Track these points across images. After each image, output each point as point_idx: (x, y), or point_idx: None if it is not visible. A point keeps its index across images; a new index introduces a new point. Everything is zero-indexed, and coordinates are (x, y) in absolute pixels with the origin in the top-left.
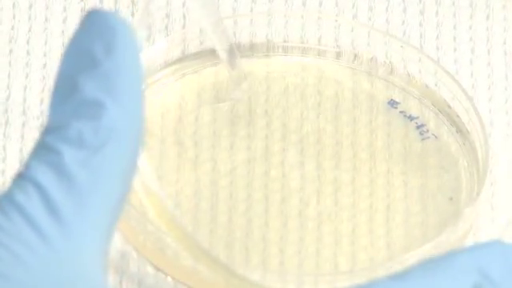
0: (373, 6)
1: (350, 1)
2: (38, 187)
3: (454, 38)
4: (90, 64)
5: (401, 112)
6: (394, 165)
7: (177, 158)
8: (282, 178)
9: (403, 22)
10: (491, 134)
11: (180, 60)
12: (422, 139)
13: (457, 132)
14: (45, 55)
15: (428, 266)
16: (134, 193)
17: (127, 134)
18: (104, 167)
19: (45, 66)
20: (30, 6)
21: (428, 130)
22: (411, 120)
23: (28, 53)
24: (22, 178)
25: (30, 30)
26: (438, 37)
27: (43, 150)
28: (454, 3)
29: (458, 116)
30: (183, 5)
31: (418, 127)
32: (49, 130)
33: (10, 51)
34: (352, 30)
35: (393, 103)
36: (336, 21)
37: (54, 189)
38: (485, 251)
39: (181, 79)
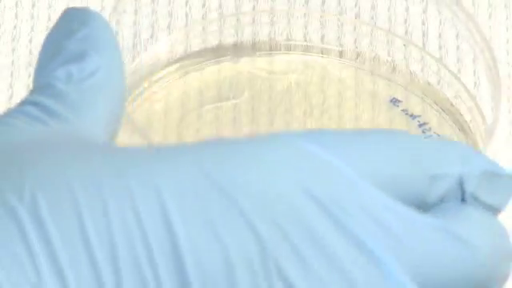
0: (375, 5)
1: None
2: (35, 104)
3: (457, 37)
4: (69, 33)
5: (403, 110)
6: None
7: None
8: None
9: (405, 20)
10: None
11: (183, 58)
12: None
13: (459, 131)
14: None
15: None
16: None
17: (109, 81)
18: (91, 101)
19: None
20: (33, 5)
21: (430, 129)
22: (413, 118)
23: (30, 52)
24: (16, 105)
25: (32, 30)
26: (440, 35)
27: (35, 88)
28: (456, 2)
29: (460, 114)
30: (186, 3)
31: (420, 125)
32: (38, 73)
33: (13, 50)
34: (355, 29)
35: (395, 101)
36: (339, 19)
37: (50, 102)
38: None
39: (183, 77)
